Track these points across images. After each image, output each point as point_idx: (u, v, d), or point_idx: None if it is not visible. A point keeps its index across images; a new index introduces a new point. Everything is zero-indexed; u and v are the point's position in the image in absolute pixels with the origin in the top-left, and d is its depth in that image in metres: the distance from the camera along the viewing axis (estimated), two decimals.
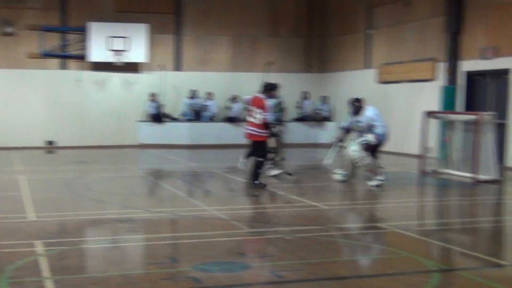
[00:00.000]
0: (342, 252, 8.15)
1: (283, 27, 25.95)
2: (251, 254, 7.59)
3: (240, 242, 8.24)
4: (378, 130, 13.13)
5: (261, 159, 12.87)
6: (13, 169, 16.49)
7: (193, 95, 24.28)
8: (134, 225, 9.52)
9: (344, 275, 6.86)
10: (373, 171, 13.27)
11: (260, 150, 12.89)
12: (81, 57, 23.50)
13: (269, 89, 13.16)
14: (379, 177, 13.23)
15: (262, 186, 12.82)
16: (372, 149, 13.30)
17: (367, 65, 23.29)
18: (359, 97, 13.60)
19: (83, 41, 23.47)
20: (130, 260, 7.61)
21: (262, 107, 12.72)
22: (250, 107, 12.91)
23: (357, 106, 13.42)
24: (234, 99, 24.37)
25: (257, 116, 12.70)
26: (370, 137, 13.15)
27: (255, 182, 12.79)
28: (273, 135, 13.47)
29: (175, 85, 24.46)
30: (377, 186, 13.15)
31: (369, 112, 13.29)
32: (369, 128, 13.21)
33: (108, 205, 11.34)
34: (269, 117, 12.75)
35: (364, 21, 23.44)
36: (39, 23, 23.20)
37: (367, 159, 13.24)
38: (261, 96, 12.99)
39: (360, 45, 23.69)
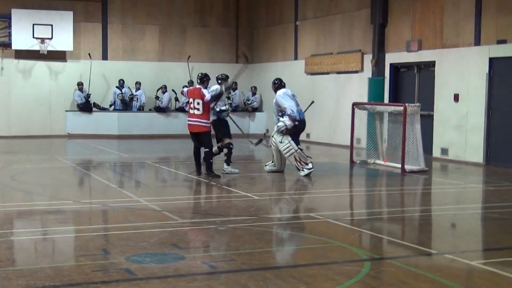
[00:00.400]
0: (274, 242, 8.20)
1: (211, 17, 25.89)
2: (184, 245, 7.56)
3: (173, 233, 8.19)
4: (288, 111, 13.27)
5: (208, 149, 12.93)
6: None
7: (121, 84, 24.00)
8: (64, 217, 9.36)
9: (277, 264, 6.92)
10: (300, 160, 13.38)
11: (205, 140, 12.95)
12: (5, 45, 22.92)
13: (206, 79, 13.23)
14: (307, 167, 13.36)
15: (216, 176, 12.95)
16: (293, 133, 13.40)
17: (296, 56, 23.47)
18: (277, 79, 13.85)
19: (6, 28, 22.90)
20: (60, 252, 7.49)
21: (200, 96, 12.79)
22: (190, 99, 12.98)
23: (273, 87, 13.68)
24: (163, 89, 24.17)
25: (197, 107, 12.79)
26: (285, 120, 13.27)
27: (210, 173, 12.99)
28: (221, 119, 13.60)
29: (103, 74, 24.14)
30: (306, 175, 13.28)
31: (278, 93, 13.48)
32: (281, 111, 13.37)
33: (37, 196, 11.13)
34: (208, 98, 12.82)
35: (293, 12, 23.59)
36: None
37: (293, 149, 13.35)
38: (198, 86, 13.07)
39: (289, 36, 23.84)
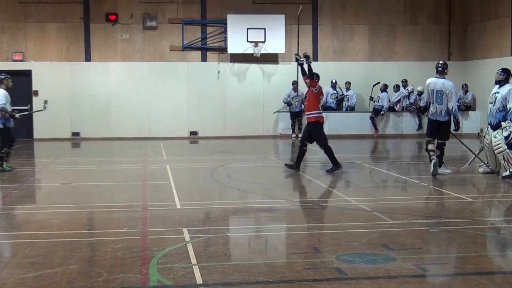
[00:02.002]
0: (489, 246, 7.85)
1: (422, 15, 25.34)
2: (395, 246, 7.44)
3: (383, 233, 8.12)
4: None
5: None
6: (161, 158, 17.08)
7: (334, 85, 24.13)
8: (276, 215, 9.61)
9: (492, 270, 6.63)
10: (508, 161, 12.61)
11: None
12: (220, 49, 24.02)
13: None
14: None
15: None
16: None
17: None
18: (505, 69, 13.05)
19: (222, 33, 24.00)
20: (273, 249, 7.69)
21: None
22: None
23: (501, 76, 12.90)
24: (382, 88, 23.96)
25: None
26: (510, 127, 12.52)
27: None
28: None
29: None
30: (507, 177, 12.51)
31: (508, 86, 12.72)
32: (503, 109, 12.63)
33: (251, 194, 11.54)
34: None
35: (510, 6, 22.44)
36: (180, 17, 23.98)
37: (502, 147, 12.65)
38: None
39: (506, 31, 22.72)
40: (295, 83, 23.05)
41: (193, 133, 24.09)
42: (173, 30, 24.04)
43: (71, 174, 14.22)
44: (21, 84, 23.25)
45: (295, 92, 23.28)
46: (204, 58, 24.30)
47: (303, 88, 23.46)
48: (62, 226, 8.80)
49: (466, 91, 24.49)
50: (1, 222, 9.13)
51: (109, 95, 23.68)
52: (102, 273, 6.37)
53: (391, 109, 24.27)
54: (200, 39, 24.12)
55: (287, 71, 24.30)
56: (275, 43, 23.68)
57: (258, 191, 11.91)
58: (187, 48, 24.01)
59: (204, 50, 24.25)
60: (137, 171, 14.72)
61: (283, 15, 23.79)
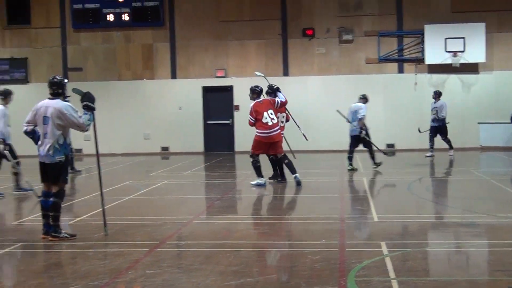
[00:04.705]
0: None
1: None
2: None
3: None
4: None
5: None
6: (358, 171, 16.98)
7: None
8: (478, 230, 9.26)
9: None
10: None
11: None
12: (418, 60, 23.64)
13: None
14: None
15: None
16: None
17: None
18: None
19: (419, 44, 23.62)
20: (475, 265, 7.42)
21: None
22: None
23: None
24: None
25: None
26: None
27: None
28: None
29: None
30: None
31: None
32: None
33: (450, 208, 11.23)
34: None
35: None
36: (376, 29, 23.92)
37: None
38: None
39: None
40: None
41: (390, 145, 23.85)
42: (369, 42, 24.03)
43: (270, 186, 14.55)
44: (223, 99, 24.35)
45: None
46: (400, 70, 24.05)
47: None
48: (262, 236, 9.06)
49: None
50: (205, 231, 9.56)
51: (307, 108, 23.99)
52: (300, 284, 6.47)
53: None
54: (396, 50, 23.92)
55: (488, 81, 23.41)
56: (475, 52, 22.92)
57: (458, 205, 11.56)
58: (383, 60, 23.90)
59: (401, 62, 24.00)
60: (334, 183, 14.80)
61: (483, 23, 22.94)
